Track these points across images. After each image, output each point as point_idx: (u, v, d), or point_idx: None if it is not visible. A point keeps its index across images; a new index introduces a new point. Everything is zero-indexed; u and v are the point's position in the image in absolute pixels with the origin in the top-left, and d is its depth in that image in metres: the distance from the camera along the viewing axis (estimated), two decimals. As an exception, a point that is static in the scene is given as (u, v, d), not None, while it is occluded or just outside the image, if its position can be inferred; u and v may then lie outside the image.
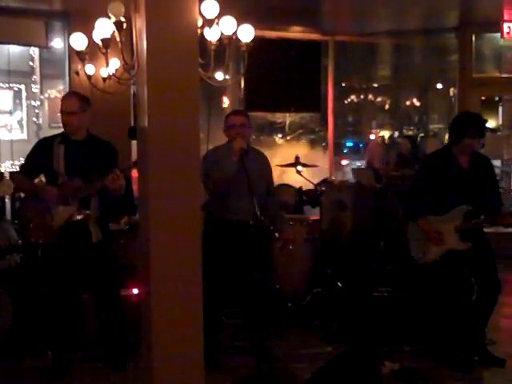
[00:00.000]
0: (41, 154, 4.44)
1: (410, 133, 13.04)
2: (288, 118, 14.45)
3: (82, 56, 3.71)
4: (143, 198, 3.51)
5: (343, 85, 12.64)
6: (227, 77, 5.29)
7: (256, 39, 3.69)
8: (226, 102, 10.54)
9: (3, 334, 4.71)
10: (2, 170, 7.94)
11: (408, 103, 12.97)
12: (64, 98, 4.53)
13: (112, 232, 4.87)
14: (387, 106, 14.30)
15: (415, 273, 5.00)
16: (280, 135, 15.07)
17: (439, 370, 4.50)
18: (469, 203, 4.53)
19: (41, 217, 4.31)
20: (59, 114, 4.43)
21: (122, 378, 4.38)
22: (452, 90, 10.27)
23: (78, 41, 3.74)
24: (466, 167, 4.66)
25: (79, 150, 4.39)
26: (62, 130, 4.53)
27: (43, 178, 4.52)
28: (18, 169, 7.78)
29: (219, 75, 4.58)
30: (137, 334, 4.61)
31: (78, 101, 4.41)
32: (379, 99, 14.15)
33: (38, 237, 4.33)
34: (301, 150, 9.56)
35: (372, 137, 10.65)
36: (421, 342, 4.86)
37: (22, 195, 5.16)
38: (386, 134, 12.15)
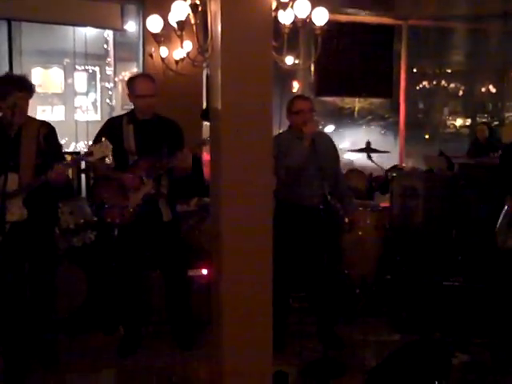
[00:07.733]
0: (110, 133, 4.34)
1: (484, 120, 12.69)
2: (357, 104, 14.27)
3: (158, 38, 3.74)
4: (215, 179, 3.52)
5: (415, 70, 12.37)
6: (296, 61, 5.24)
7: (328, 23, 3.63)
8: (295, 86, 10.51)
9: (77, 309, 4.86)
10: (78, 150, 8.14)
11: (483, 90, 12.59)
12: (141, 82, 4.43)
13: (180, 213, 4.91)
14: (460, 93, 13.93)
15: (488, 262, 4.88)
16: (349, 121, 14.89)
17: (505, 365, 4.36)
18: None
19: (116, 197, 4.35)
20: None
21: (192, 357, 4.44)
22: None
23: (155, 23, 3.76)
24: None
25: (148, 129, 4.43)
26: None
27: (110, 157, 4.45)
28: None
29: (289, 59, 4.53)
30: (205, 314, 4.71)
31: (154, 83, 4.44)
32: (452, 85, 13.79)
33: (114, 217, 4.35)
34: (370, 135, 9.41)
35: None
36: (490, 334, 4.75)
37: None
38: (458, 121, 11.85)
